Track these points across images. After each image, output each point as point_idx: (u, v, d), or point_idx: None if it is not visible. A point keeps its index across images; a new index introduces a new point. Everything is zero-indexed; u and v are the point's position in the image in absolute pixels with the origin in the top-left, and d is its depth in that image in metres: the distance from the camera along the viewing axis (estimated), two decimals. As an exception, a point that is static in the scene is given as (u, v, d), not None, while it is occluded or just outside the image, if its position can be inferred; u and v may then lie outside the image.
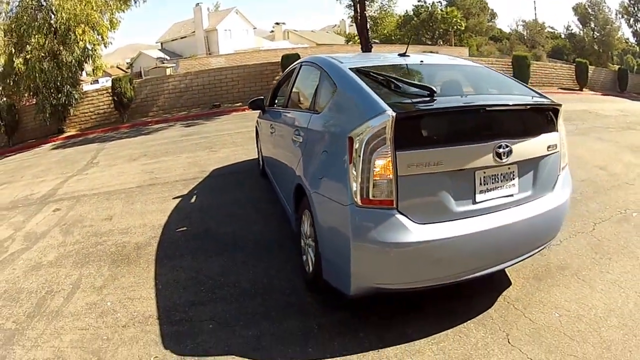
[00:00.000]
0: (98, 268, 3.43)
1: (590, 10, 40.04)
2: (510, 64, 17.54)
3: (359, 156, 2.14)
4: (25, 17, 11.09)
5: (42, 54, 11.25)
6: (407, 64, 3.03)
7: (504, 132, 2.37)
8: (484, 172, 2.32)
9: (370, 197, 2.14)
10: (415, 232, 2.15)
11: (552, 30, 45.32)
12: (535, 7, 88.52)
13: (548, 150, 2.54)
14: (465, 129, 2.34)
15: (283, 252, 3.42)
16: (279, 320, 2.50)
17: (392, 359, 2.21)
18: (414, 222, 2.17)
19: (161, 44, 45.26)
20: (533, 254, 2.67)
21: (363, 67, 2.75)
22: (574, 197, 4.20)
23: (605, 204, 4.28)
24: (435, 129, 2.27)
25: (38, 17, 11.32)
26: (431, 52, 15.89)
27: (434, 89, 2.32)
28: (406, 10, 38.74)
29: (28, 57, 10.98)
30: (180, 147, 8.74)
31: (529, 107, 2.63)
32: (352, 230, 2.16)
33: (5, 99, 13.23)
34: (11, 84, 12.17)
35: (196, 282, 3.01)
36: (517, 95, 2.78)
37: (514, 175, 2.42)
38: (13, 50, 11.10)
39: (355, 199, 2.15)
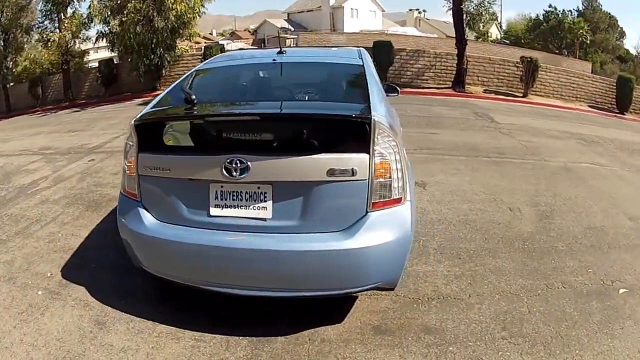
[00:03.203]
0: (75, 209, 4.91)
1: None
2: (614, 84, 16.89)
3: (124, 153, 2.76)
4: (124, -18, 13.64)
5: (138, 18, 13.66)
6: (260, 63, 3.58)
7: (242, 146, 2.39)
8: (221, 187, 2.44)
9: (126, 188, 2.77)
10: (150, 226, 2.57)
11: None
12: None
13: (331, 176, 2.30)
14: (196, 139, 2.57)
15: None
16: (130, 276, 3.22)
17: (143, 332, 2.70)
18: (154, 217, 2.61)
19: (288, 14, 49.40)
20: (310, 296, 2.56)
21: (208, 68, 3.41)
22: (554, 246, 3.88)
23: (591, 266, 3.56)
24: (165, 136, 2.60)
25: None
26: (530, 58, 15.36)
27: (193, 98, 2.60)
28: (537, 15, 39.24)
29: (124, 19, 13.47)
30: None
31: (293, 118, 2.53)
32: (118, 213, 2.82)
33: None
34: (107, 42, 14.99)
35: (115, 232, 4.23)
36: (318, 105, 2.78)
37: (266, 197, 2.40)
38: (109, 12, 13.69)
39: (121, 188, 2.85)
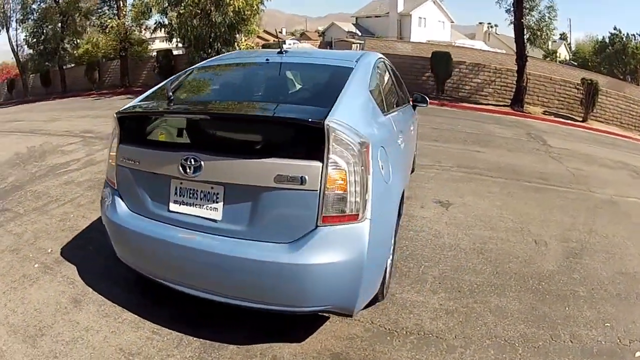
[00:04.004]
0: (93, 192, 5.22)
1: None
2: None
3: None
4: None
5: (196, 11, 14.30)
6: (252, 62, 3.70)
7: (197, 145, 2.46)
8: (181, 183, 2.51)
9: (108, 176, 2.93)
10: (122, 215, 2.72)
11: None
12: None
13: (279, 183, 2.22)
14: (161, 135, 2.71)
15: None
16: (118, 263, 3.19)
17: (109, 316, 2.85)
18: (127, 206, 2.75)
19: (356, 18, 50.31)
20: (256, 308, 2.46)
21: (204, 66, 3.57)
22: (574, 291, 3.48)
23: (610, 319, 3.08)
24: (138, 130, 2.75)
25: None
26: (590, 80, 14.92)
27: (170, 95, 2.68)
28: (603, 37, 38.48)
29: (182, 12, 14.14)
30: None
31: (243, 119, 2.54)
32: (100, 200, 3.03)
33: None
34: (165, 33, 15.80)
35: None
36: (277, 107, 2.72)
37: (217, 198, 2.41)
38: (167, 4, 14.42)
39: (106, 176, 3.00)
